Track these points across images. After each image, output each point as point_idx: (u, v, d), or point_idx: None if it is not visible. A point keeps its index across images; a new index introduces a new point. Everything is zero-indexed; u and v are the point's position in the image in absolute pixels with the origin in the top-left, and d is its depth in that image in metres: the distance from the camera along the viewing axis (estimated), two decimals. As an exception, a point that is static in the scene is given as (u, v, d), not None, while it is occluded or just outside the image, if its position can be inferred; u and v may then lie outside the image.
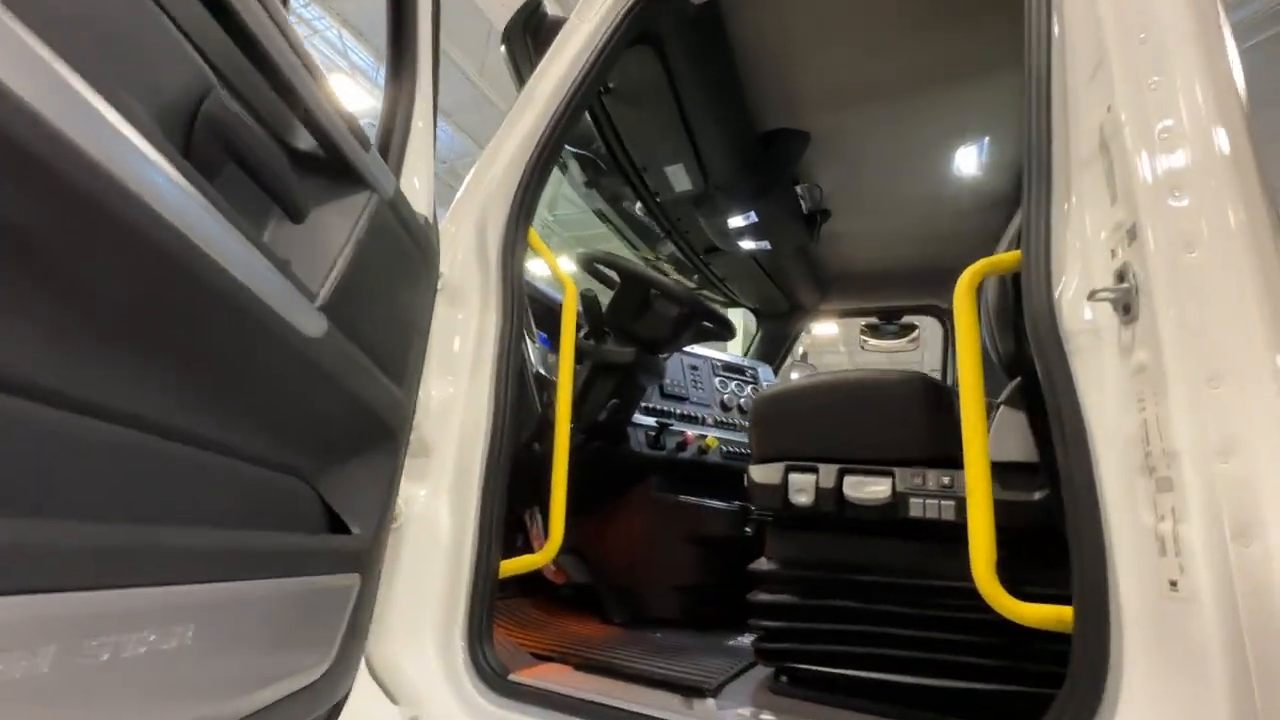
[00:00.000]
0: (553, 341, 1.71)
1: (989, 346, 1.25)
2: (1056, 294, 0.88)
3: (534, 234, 1.45)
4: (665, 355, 1.79)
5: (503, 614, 1.68)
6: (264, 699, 0.67)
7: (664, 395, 2.02)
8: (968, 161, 2.21)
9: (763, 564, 1.24)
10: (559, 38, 1.46)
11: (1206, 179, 0.77)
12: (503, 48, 1.68)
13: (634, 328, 1.58)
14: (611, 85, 1.77)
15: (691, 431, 1.97)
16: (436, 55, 1.23)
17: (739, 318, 3.37)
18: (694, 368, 2.21)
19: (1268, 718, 0.63)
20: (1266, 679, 0.64)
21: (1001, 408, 1.08)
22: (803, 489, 1.14)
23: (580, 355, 1.62)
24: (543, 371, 1.52)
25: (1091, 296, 0.83)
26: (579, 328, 1.72)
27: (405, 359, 0.99)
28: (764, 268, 2.88)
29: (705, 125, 1.92)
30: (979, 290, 1.01)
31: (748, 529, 1.83)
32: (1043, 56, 0.95)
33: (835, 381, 1.20)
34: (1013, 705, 1.00)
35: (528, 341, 1.48)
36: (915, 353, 3.60)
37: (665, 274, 3.05)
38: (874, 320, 3.50)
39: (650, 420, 1.89)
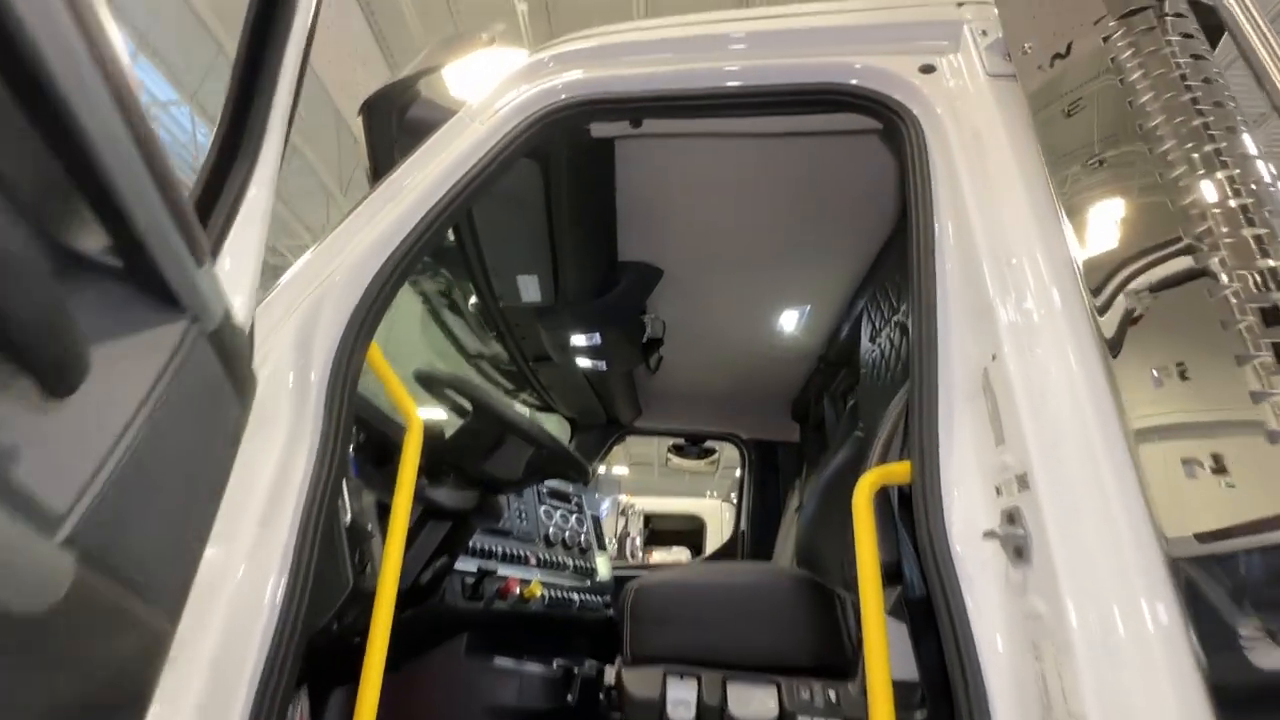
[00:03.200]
0: (361, 469, 1.36)
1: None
2: (947, 519, 0.90)
3: (376, 349, 1.17)
4: (506, 495, 1.56)
5: None
6: None
7: (484, 531, 1.75)
8: (789, 321, 2.44)
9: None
10: (444, 132, 1.27)
11: (1081, 433, 0.85)
12: (361, 118, 1.42)
13: (483, 468, 1.34)
14: None
15: (514, 574, 1.72)
16: (294, 109, 0.94)
17: (553, 424, 3.24)
18: (518, 495, 1.99)
19: None
20: None
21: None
22: (683, 701, 0.99)
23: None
24: (355, 519, 1.18)
25: (986, 536, 0.86)
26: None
27: (186, 555, 0.66)
28: (590, 382, 2.82)
29: (570, 245, 1.83)
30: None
31: (570, 696, 1.61)
32: (931, 291, 1.03)
33: (720, 579, 1.11)
34: None
35: (345, 485, 1.15)
36: (714, 474, 3.80)
37: (479, 367, 2.81)
38: (680, 441, 3.66)
39: (471, 565, 1.60)
